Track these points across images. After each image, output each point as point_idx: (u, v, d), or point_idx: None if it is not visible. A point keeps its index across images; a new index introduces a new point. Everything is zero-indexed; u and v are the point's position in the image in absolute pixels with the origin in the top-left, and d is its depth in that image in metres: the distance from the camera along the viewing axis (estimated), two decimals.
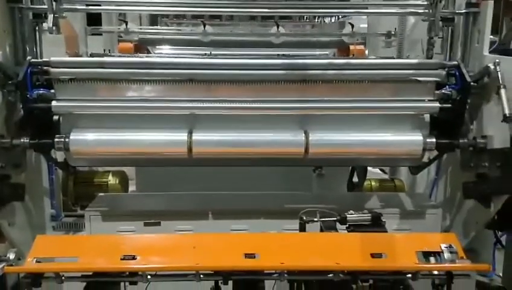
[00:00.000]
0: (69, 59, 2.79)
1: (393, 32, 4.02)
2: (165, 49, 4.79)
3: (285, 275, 2.18)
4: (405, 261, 2.19)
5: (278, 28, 3.95)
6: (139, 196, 3.34)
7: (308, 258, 2.20)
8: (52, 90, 2.50)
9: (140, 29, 4.62)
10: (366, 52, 4.70)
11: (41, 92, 2.47)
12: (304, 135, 2.50)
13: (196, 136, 2.50)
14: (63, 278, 2.12)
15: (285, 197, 2.89)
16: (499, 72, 2.36)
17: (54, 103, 2.47)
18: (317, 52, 4.87)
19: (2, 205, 2.44)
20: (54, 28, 2.57)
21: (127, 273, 2.19)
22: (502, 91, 2.32)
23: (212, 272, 2.20)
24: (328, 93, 2.56)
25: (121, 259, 2.13)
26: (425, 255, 2.25)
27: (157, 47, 4.86)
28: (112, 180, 3.44)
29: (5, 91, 2.46)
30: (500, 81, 2.34)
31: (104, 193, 3.19)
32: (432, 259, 2.25)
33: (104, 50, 4.45)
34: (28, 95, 2.44)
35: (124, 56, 3.83)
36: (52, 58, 2.53)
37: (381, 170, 4.50)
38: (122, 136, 2.55)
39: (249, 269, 2.13)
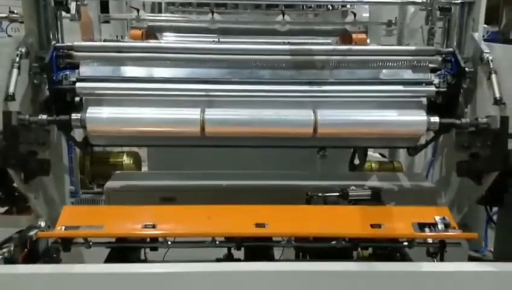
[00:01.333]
0: (91, 43, 2.95)
1: (393, 21, 4.19)
2: (170, 36, 4.94)
3: (293, 241, 2.40)
4: (402, 231, 2.40)
5: (283, 16, 4.11)
6: (154, 174, 3.52)
7: (313, 228, 2.41)
8: (77, 70, 2.68)
9: (152, 16, 4.75)
10: (368, 40, 4.85)
11: (67, 72, 2.64)
12: (312, 113, 2.63)
13: (208, 115, 2.61)
14: (90, 243, 2.34)
15: (292, 176, 3.08)
16: (490, 59, 2.55)
17: (78, 84, 2.65)
18: (321, 40, 5.02)
19: (30, 179, 2.62)
20: (76, 14, 2.74)
21: (148, 239, 2.40)
22: (493, 76, 2.51)
23: (226, 240, 2.42)
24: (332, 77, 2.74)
25: (143, 227, 2.34)
26: (420, 226, 2.46)
27: (164, 34, 5.02)
28: (126, 160, 3.64)
29: (31, 73, 2.65)
30: (492, 67, 2.53)
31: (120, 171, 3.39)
32: (427, 230, 2.46)
33: (117, 36, 4.62)
34: (53, 77, 2.62)
35: (138, 42, 3.99)
36: (76, 43, 2.71)
37: (381, 154, 4.69)
38: (136, 113, 2.65)
39: (259, 235, 2.34)
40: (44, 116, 2.58)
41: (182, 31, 4.78)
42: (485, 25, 2.79)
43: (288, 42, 4.24)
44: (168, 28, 4.78)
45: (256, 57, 2.74)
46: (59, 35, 2.88)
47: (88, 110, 2.61)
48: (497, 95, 2.46)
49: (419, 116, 2.68)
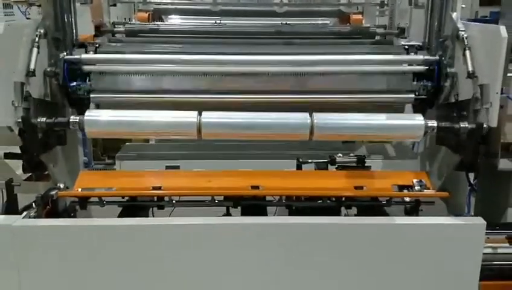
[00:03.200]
0: (98, 56, 2.97)
1: (386, 2, 4.42)
2: (176, 18, 5.18)
3: (284, 201, 2.69)
4: (381, 191, 2.68)
5: None
6: (161, 145, 3.81)
7: (303, 189, 2.70)
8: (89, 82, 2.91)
9: None
10: (364, 21, 5.06)
11: (80, 84, 2.89)
12: (309, 117, 2.59)
13: (205, 118, 2.58)
14: (104, 202, 2.64)
15: (286, 146, 3.35)
16: (465, 36, 2.79)
17: (91, 94, 2.88)
18: (319, 22, 5.24)
19: (49, 149, 2.90)
20: None
21: (156, 199, 2.70)
22: (467, 52, 2.74)
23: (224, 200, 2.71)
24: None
25: (151, 189, 2.64)
26: (399, 187, 2.75)
27: (169, 17, 5.26)
28: None
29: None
30: (466, 43, 2.77)
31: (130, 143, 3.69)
32: (405, 191, 2.74)
33: (125, 19, 4.87)
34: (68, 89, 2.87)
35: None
36: (83, 56, 2.87)
37: None
38: (133, 116, 2.64)
39: (254, 194, 2.63)
40: (43, 119, 2.66)
41: (185, 13, 5.01)
42: (459, 4, 3.02)
43: (286, 23, 4.48)
44: (173, 11, 5.02)
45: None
46: (72, 18, 3.15)
47: (86, 113, 2.61)
48: (470, 69, 2.69)
49: (417, 121, 2.64)
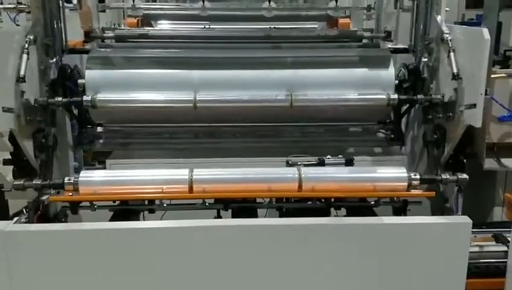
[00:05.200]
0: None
1: (372, 6, 4.48)
2: (165, 23, 5.22)
3: (274, 202, 2.72)
4: (369, 191, 2.72)
5: (269, 2, 4.37)
6: (150, 150, 3.81)
7: (292, 190, 2.73)
8: None
9: (147, 5, 5.02)
10: (351, 25, 5.12)
11: None
12: (297, 171, 2.73)
13: (196, 175, 2.67)
14: (95, 207, 2.66)
15: (275, 147, 3.37)
16: (449, 38, 2.85)
17: None
18: (308, 26, 5.29)
19: (40, 154, 2.90)
20: (77, 4, 3.03)
21: (146, 202, 2.72)
22: (452, 54, 2.79)
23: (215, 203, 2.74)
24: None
25: (141, 191, 2.65)
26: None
27: (158, 22, 5.29)
28: None
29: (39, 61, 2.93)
30: (450, 46, 2.83)
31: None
32: None
33: (114, 24, 4.88)
34: None
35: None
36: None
37: None
38: (125, 176, 2.76)
39: (245, 196, 2.66)
40: (39, 181, 2.68)
41: (175, 18, 5.04)
42: (443, 8, 3.08)
43: (275, 27, 4.53)
44: (162, 16, 5.05)
45: None
46: (62, 24, 3.17)
47: (81, 174, 2.68)
48: (455, 70, 2.75)
49: (400, 174, 2.73)
